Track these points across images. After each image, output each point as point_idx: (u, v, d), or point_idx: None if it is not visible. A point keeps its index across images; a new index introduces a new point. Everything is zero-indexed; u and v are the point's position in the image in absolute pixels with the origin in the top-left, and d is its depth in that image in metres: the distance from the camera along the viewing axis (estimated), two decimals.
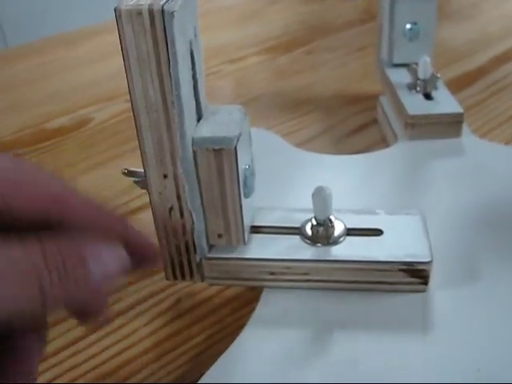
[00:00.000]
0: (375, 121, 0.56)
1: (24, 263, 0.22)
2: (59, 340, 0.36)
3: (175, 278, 0.34)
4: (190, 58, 0.30)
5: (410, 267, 0.33)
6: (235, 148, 0.30)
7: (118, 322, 0.37)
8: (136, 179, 0.33)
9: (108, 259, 0.25)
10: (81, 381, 0.34)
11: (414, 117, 0.47)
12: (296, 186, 0.42)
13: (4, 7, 0.81)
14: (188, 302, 0.38)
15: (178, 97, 0.28)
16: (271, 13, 0.88)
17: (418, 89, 0.50)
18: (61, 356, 0.35)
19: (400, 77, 0.52)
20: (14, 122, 0.62)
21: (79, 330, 0.36)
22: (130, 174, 0.33)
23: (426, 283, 0.33)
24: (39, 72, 0.74)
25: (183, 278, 0.34)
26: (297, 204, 0.37)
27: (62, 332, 0.36)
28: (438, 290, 0.34)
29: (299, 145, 0.52)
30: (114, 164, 0.53)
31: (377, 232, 0.35)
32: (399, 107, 0.49)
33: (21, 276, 0.21)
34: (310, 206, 0.34)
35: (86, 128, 0.60)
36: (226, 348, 0.32)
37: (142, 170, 0.31)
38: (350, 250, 0.33)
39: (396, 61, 0.54)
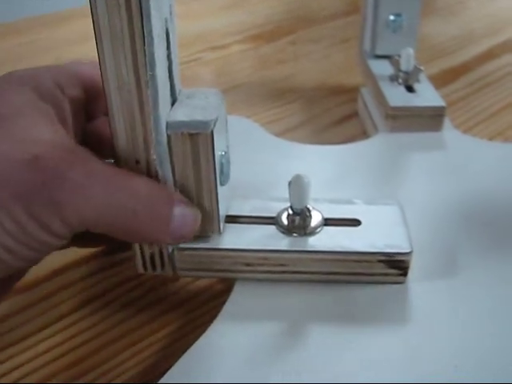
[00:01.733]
0: (356, 113, 0.55)
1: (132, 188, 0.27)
2: (23, 328, 0.35)
3: (146, 269, 0.33)
4: (165, 37, 0.28)
5: (389, 258, 0.32)
6: (212, 132, 0.29)
7: (87, 309, 0.36)
8: None
9: (187, 216, 0.29)
10: (43, 372, 0.33)
11: (394, 108, 0.46)
12: (273, 175, 0.41)
13: None
14: (160, 291, 0.37)
15: (153, 77, 0.27)
16: (256, 1, 0.86)
17: (400, 81, 0.49)
18: (25, 344, 0.34)
19: (382, 68, 0.52)
20: None
21: (45, 319, 0.35)
22: None
23: (405, 274, 0.33)
24: (17, 52, 0.72)
25: (154, 269, 0.33)
26: (273, 193, 0.36)
27: (28, 319, 0.35)
28: (417, 282, 0.33)
29: (280, 134, 0.51)
30: None
31: (355, 222, 0.34)
32: (380, 99, 0.48)
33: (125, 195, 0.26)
34: (287, 195, 0.33)
35: None
36: (198, 337, 0.31)
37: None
38: (327, 240, 0.33)
39: (378, 52, 0.53)
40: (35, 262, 0.26)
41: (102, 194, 0.25)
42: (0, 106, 0.27)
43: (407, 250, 0.32)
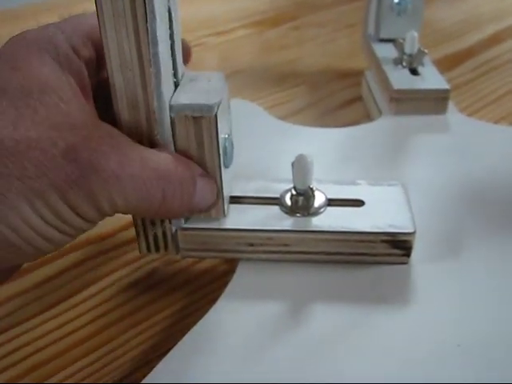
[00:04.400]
0: (361, 97, 0.55)
1: (161, 170, 0.27)
2: (26, 309, 0.35)
3: (149, 250, 0.33)
4: (167, 16, 0.28)
5: (392, 238, 0.32)
6: (215, 116, 0.28)
7: (91, 290, 0.36)
8: None
9: (207, 189, 0.30)
10: (47, 353, 0.33)
11: (399, 91, 0.46)
12: (277, 157, 0.41)
13: None
14: (164, 272, 0.37)
15: (155, 55, 0.27)
16: None
17: (404, 64, 0.49)
18: (25, 326, 0.34)
19: (386, 52, 0.52)
20: None
21: (49, 300, 0.35)
22: None
23: (408, 255, 0.33)
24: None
25: (157, 250, 0.33)
26: (277, 175, 0.36)
27: (28, 302, 0.35)
28: (420, 262, 0.33)
29: (284, 118, 0.51)
30: None
31: (358, 203, 0.34)
32: (384, 82, 0.48)
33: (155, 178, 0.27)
34: (290, 177, 0.33)
35: None
36: (200, 318, 0.31)
37: None
38: (330, 220, 0.33)
39: (383, 35, 0.53)
40: (63, 245, 0.27)
41: (134, 182, 0.26)
42: (23, 77, 0.26)
43: (410, 230, 0.32)
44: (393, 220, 0.32)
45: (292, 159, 0.33)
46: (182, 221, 0.32)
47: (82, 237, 0.39)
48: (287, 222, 0.33)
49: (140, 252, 0.33)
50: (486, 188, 0.39)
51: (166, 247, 0.33)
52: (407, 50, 0.49)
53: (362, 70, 0.56)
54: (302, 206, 0.33)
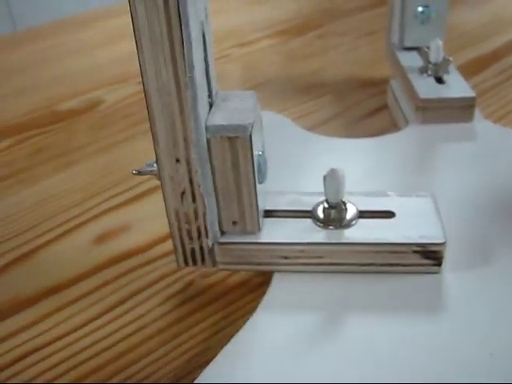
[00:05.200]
0: (386, 105, 0.56)
1: None
2: (67, 323, 0.36)
3: (187, 263, 0.34)
4: (202, 40, 0.29)
5: (423, 248, 0.33)
6: (250, 136, 0.30)
7: (129, 303, 0.37)
8: (150, 170, 0.32)
9: None
10: (90, 365, 0.34)
11: (425, 100, 0.46)
12: (307, 169, 0.42)
13: None
14: (200, 284, 0.38)
15: (192, 79, 0.28)
16: None
17: (430, 72, 0.50)
18: (68, 339, 0.35)
19: (411, 60, 0.52)
20: (26, 103, 0.63)
21: (88, 313, 0.36)
22: (140, 172, 0.33)
23: (439, 264, 0.33)
24: (49, 54, 0.74)
25: (194, 263, 0.34)
26: (308, 187, 0.37)
27: (71, 315, 0.37)
28: (452, 272, 0.34)
29: (310, 128, 0.52)
30: (125, 146, 0.53)
31: (389, 214, 0.35)
32: (410, 91, 0.49)
33: None
34: (321, 189, 0.34)
35: (97, 110, 0.60)
36: (237, 331, 0.32)
37: (150, 167, 0.31)
38: (362, 232, 0.33)
39: (407, 44, 0.54)
40: None
41: None
42: None
43: (441, 241, 0.32)
44: (423, 231, 0.33)
45: (321, 171, 0.33)
46: (219, 235, 0.33)
47: (121, 250, 0.41)
48: (320, 235, 0.33)
49: (178, 265, 0.35)
50: None
51: (203, 260, 0.34)
52: (432, 58, 0.49)
53: (386, 78, 0.57)
54: (334, 219, 0.34)
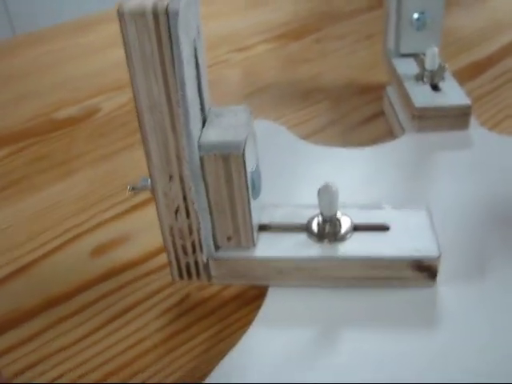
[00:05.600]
0: (383, 112, 0.56)
1: None
2: (65, 337, 0.36)
3: (181, 277, 0.34)
4: (194, 57, 0.29)
5: (418, 263, 0.33)
6: (243, 153, 0.30)
7: (126, 317, 0.37)
8: (144, 186, 0.32)
9: None
10: (90, 379, 0.34)
11: (420, 109, 0.46)
12: (302, 180, 0.42)
13: None
14: (197, 297, 0.38)
15: (184, 96, 0.28)
16: None
17: (425, 80, 0.50)
18: (66, 353, 0.35)
19: (407, 67, 0.52)
20: (25, 110, 0.63)
21: (86, 327, 0.37)
22: (135, 189, 0.34)
23: (434, 278, 0.33)
24: (47, 60, 0.74)
25: (189, 277, 0.34)
26: (303, 198, 0.37)
27: (69, 329, 0.37)
28: (446, 285, 0.34)
29: (307, 136, 0.52)
30: (124, 155, 0.53)
31: (383, 227, 0.35)
32: (406, 99, 0.49)
33: None
34: (316, 201, 0.34)
35: (95, 118, 0.60)
36: (233, 345, 0.32)
37: (145, 182, 0.31)
38: (357, 246, 0.34)
39: (403, 51, 0.54)
40: None
41: None
42: None
43: (435, 255, 0.33)
44: (418, 245, 0.33)
45: (316, 181, 0.34)
46: (214, 250, 0.34)
47: (116, 263, 0.41)
48: (315, 249, 0.34)
49: (172, 279, 0.35)
50: (511, 205, 0.39)
51: (198, 275, 0.34)
52: (428, 66, 0.49)
53: (383, 83, 0.57)
54: (329, 233, 0.34)
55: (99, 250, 0.42)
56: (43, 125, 0.60)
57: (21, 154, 0.55)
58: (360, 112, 0.56)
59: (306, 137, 0.52)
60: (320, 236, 0.34)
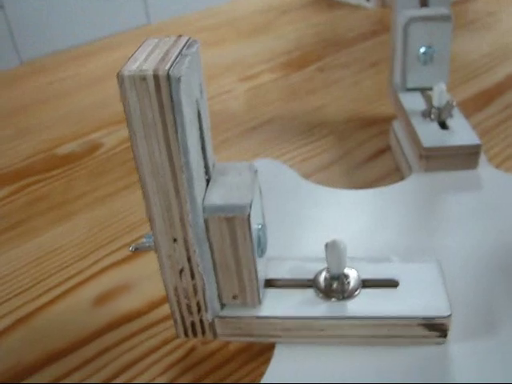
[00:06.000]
0: (389, 146, 0.55)
1: None
2: None
3: (186, 335, 0.33)
4: (197, 119, 0.29)
5: (428, 322, 0.32)
6: (248, 215, 0.29)
7: (129, 373, 0.36)
8: (148, 246, 0.32)
9: None
10: None
11: (429, 149, 0.46)
12: (307, 226, 0.41)
13: (17, 21, 0.81)
14: (202, 351, 0.37)
15: (187, 162, 0.27)
16: (283, 24, 0.87)
17: (433, 117, 0.49)
18: None
19: (414, 102, 0.51)
20: (25, 146, 0.62)
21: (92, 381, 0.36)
22: (137, 249, 0.33)
23: (444, 336, 0.33)
24: (50, 91, 0.74)
25: (195, 335, 0.33)
26: (309, 246, 0.36)
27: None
28: (457, 342, 0.33)
29: (311, 174, 0.51)
30: (125, 196, 0.52)
31: (393, 283, 0.34)
32: (413, 137, 0.48)
33: None
34: (322, 251, 0.33)
35: (96, 154, 0.59)
36: None
37: (149, 239, 0.30)
38: (366, 304, 0.33)
39: (410, 85, 0.53)
40: None
41: None
42: None
43: (446, 314, 0.32)
44: (428, 302, 0.32)
45: (322, 228, 0.33)
46: (219, 308, 0.33)
47: (118, 313, 0.40)
48: (322, 308, 0.33)
49: (177, 337, 0.34)
50: None
51: (203, 333, 0.33)
52: (435, 102, 0.48)
53: (389, 116, 0.56)
54: (336, 290, 0.33)
55: (101, 300, 0.41)
56: (43, 162, 0.59)
57: (20, 194, 0.54)
58: (365, 148, 0.55)
59: (310, 175, 0.51)
60: (327, 293, 0.33)
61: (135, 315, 0.40)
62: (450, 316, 0.32)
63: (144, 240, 0.32)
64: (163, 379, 0.36)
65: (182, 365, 0.37)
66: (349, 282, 0.33)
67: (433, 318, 0.32)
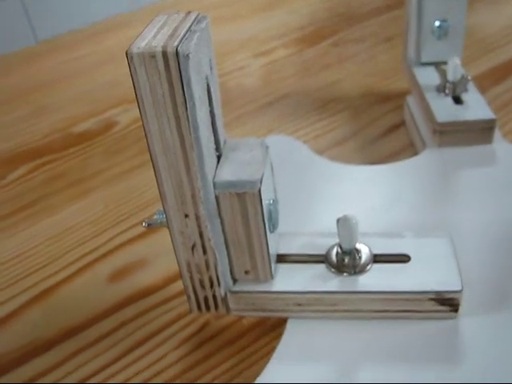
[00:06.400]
0: (403, 122, 0.55)
1: None
2: (84, 368, 0.36)
3: (200, 310, 0.34)
4: (206, 95, 0.29)
5: (439, 296, 0.32)
6: (259, 191, 0.29)
7: (144, 348, 0.37)
8: (160, 222, 0.32)
9: None
10: None
11: (443, 124, 0.45)
12: (320, 201, 0.41)
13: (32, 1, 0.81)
14: (215, 326, 0.38)
15: (197, 139, 0.27)
16: None
17: (447, 91, 0.48)
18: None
19: (428, 77, 0.51)
20: (42, 125, 0.63)
21: (105, 358, 0.36)
22: (150, 225, 0.33)
23: (456, 311, 0.33)
24: (67, 69, 0.74)
25: (208, 310, 0.34)
26: (322, 222, 0.36)
27: (87, 359, 0.37)
28: (468, 316, 0.33)
29: (325, 150, 0.51)
30: (140, 173, 0.53)
31: (404, 258, 0.34)
32: (428, 112, 0.47)
33: None
34: (335, 225, 0.33)
35: (111, 132, 0.60)
36: (255, 376, 0.32)
37: (160, 215, 0.31)
38: (377, 279, 0.33)
39: (424, 60, 0.52)
40: None
41: None
42: None
43: (458, 288, 0.32)
44: (440, 277, 0.32)
45: (335, 203, 0.33)
46: (231, 284, 0.33)
47: (134, 289, 0.40)
48: (334, 283, 0.33)
49: (190, 312, 0.34)
50: None
51: (216, 307, 0.34)
52: (450, 77, 0.48)
53: (404, 91, 0.56)
54: (348, 265, 0.33)
55: (117, 276, 0.42)
56: (60, 140, 0.60)
57: (38, 171, 0.55)
58: (380, 123, 0.55)
59: (324, 150, 0.51)
60: (339, 268, 0.33)
61: (151, 290, 0.41)
62: (461, 291, 0.32)
63: (155, 217, 0.33)
64: (178, 353, 0.36)
65: (195, 339, 0.37)
66: (360, 257, 0.34)
67: (444, 293, 0.32)
